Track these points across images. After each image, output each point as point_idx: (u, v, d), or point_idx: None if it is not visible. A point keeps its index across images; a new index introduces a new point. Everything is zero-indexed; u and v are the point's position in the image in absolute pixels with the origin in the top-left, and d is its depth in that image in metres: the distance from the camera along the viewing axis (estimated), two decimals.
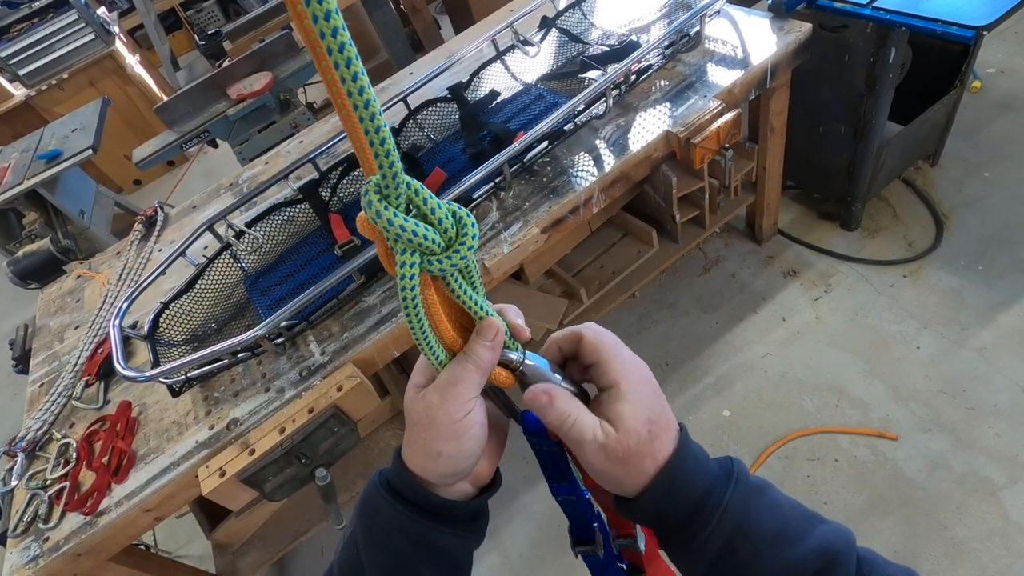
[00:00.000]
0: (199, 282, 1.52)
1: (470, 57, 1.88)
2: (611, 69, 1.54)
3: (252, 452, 1.21)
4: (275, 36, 2.69)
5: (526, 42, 1.91)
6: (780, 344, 2.00)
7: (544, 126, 1.44)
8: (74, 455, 1.35)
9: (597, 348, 0.47)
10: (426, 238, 0.40)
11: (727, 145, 1.55)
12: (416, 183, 0.40)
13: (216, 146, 2.84)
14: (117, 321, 1.38)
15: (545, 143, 1.58)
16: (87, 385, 1.51)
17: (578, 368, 0.50)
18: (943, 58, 1.96)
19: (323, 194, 1.69)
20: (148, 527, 1.30)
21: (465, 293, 0.45)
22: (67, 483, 1.30)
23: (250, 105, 2.51)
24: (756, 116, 1.92)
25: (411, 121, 1.80)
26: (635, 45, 1.75)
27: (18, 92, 3.99)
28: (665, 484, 0.44)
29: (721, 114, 1.51)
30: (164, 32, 5.11)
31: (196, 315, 1.51)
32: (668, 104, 1.60)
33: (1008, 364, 1.75)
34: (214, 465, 1.22)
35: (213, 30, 3.16)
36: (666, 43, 1.67)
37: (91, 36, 3.90)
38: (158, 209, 1.99)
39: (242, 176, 2.04)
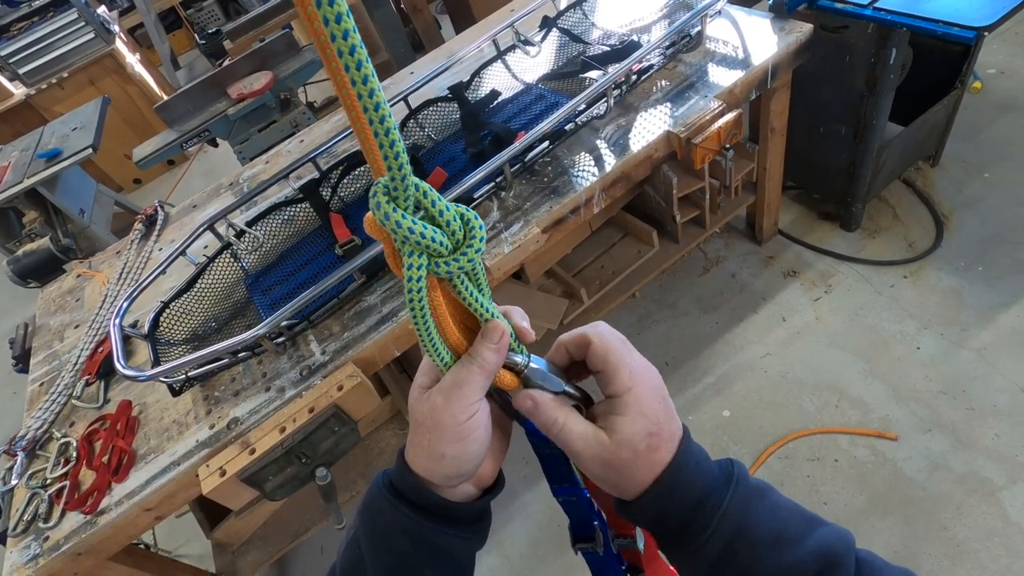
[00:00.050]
0: (199, 281, 1.51)
1: (471, 57, 1.88)
2: (612, 69, 1.54)
3: (252, 451, 1.21)
4: (275, 35, 2.69)
5: (527, 42, 1.91)
6: (780, 344, 2.00)
7: (545, 126, 1.44)
8: (74, 454, 1.35)
9: (604, 357, 0.46)
10: (434, 240, 0.40)
11: (728, 145, 1.55)
12: (424, 185, 0.40)
13: (216, 145, 2.83)
14: (117, 320, 1.38)
15: (546, 143, 1.58)
16: (87, 384, 1.51)
17: (586, 369, 0.50)
18: (944, 59, 1.96)
19: (324, 193, 1.69)
20: (148, 526, 1.30)
21: (471, 295, 0.44)
22: (67, 482, 1.30)
23: (250, 104, 2.50)
24: (757, 116, 1.92)
25: (412, 120, 1.80)
26: (636, 45, 1.75)
27: (18, 91, 3.99)
28: (665, 486, 0.44)
29: (722, 114, 1.51)
30: (164, 31, 5.09)
31: (196, 314, 1.51)
32: (669, 104, 1.60)
33: (1008, 365, 1.75)
34: (214, 464, 1.22)
35: (213, 29, 3.15)
36: (667, 43, 1.67)
37: (91, 35, 3.90)
38: (158, 208, 1.99)
39: (242, 175, 2.03)
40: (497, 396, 0.51)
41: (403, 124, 1.79)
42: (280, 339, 1.38)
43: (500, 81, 1.89)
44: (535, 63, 1.92)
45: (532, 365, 0.48)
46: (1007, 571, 1.45)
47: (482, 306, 0.45)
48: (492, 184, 1.53)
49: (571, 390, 0.49)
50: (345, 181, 1.71)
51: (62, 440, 1.40)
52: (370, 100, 0.34)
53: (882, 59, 1.67)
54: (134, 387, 1.47)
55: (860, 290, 2.05)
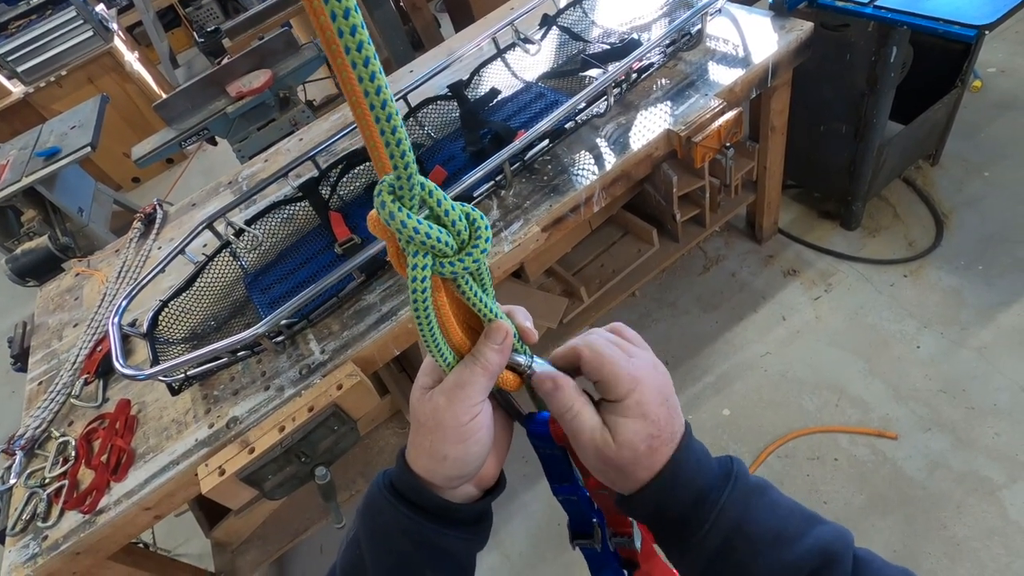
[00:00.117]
0: (198, 280, 1.51)
1: (470, 55, 1.88)
2: (612, 67, 1.54)
3: (252, 450, 1.21)
4: (274, 33, 2.69)
5: (527, 40, 1.91)
6: (780, 343, 2.00)
7: (545, 124, 1.43)
8: (73, 453, 1.35)
9: (598, 368, 0.46)
10: (439, 240, 0.39)
11: (728, 144, 1.55)
12: (430, 184, 0.39)
13: (215, 144, 2.83)
14: (116, 319, 1.37)
15: (546, 141, 1.57)
16: (86, 383, 1.50)
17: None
18: (944, 57, 1.96)
19: (323, 192, 1.69)
20: (147, 525, 1.30)
21: (476, 295, 0.44)
22: (66, 481, 1.29)
23: (249, 103, 2.50)
24: (757, 115, 1.91)
25: (411, 119, 1.79)
26: (636, 43, 1.74)
27: (16, 89, 3.98)
28: (665, 481, 0.44)
29: (722, 113, 1.50)
30: (163, 29, 5.10)
31: (195, 313, 1.50)
32: (669, 103, 1.60)
33: (1008, 363, 1.75)
34: (213, 463, 1.22)
35: (212, 27, 3.15)
36: (667, 41, 1.67)
37: (90, 33, 3.89)
38: (157, 207, 1.99)
39: (241, 174, 2.03)
40: (499, 397, 0.51)
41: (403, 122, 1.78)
42: (279, 338, 1.38)
43: (500, 79, 1.88)
44: (535, 61, 1.91)
45: (535, 366, 0.48)
46: (1007, 570, 1.45)
47: (486, 306, 0.45)
48: (492, 183, 1.53)
49: None
50: (344, 179, 1.71)
51: (61, 439, 1.39)
52: (377, 98, 0.34)
53: (883, 57, 1.66)
54: (133, 386, 1.47)
55: (860, 289, 2.05)
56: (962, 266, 1.99)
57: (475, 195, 1.52)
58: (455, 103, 1.80)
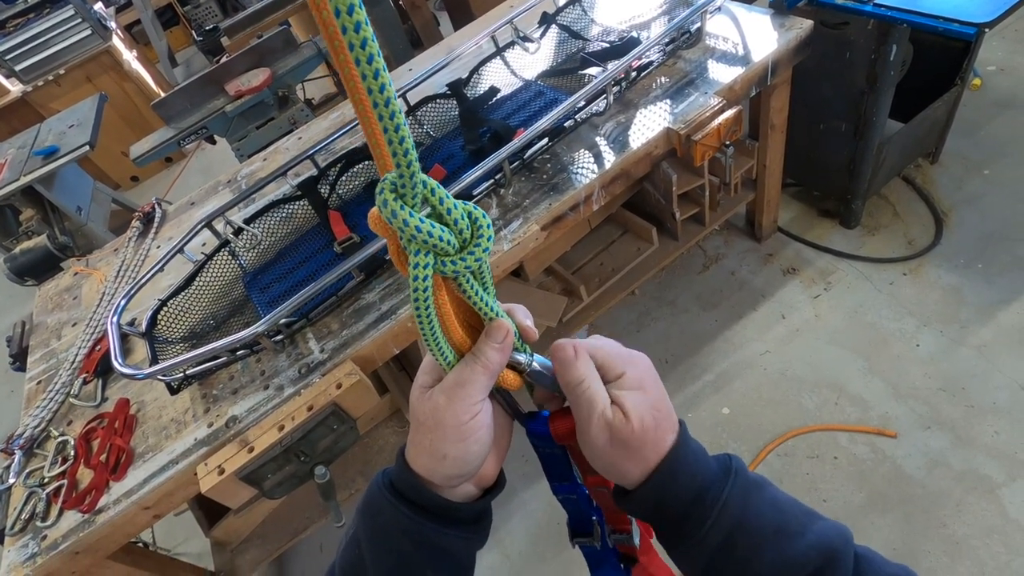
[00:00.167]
0: (197, 279, 1.51)
1: (469, 53, 1.87)
2: (611, 66, 1.54)
3: (251, 450, 1.21)
4: (273, 32, 2.68)
5: (526, 38, 1.90)
6: (779, 342, 2.00)
7: (544, 123, 1.43)
8: (72, 453, 1.35)
9: (593, 353, 0.47)
10: (441, 239, 0.39)
11: (728, 142, 1.55)
12: (432, 182, 0.39)
13: (214, 142, 2.83)
14: (115, 318, 1.37)
15: (545, 140, 1.57)
16: (85, 382, 1.50)
17: None
18: (944, 55, 1.96)
19: (322, 191, 1.69)
20: (146, 525, 1.29)
21: (477, 294, 0.44)
22: (65, 481, 1.29)
23: (248, 101, 2.50)
24: (757, 113, 1.91)
25: (410, 117, 1.79)
26: (635, 42, 1.74)
27: (14, 88, 3.97)
28: (665, 474, 0.44)
29: (722, 111, 1.50)
30: (161, 28, 5.09)
31: (194, 312, 1.50)
32: (669, 101, 1.59)
33: (1007, 362, 1.75)
34: (213, 463, 1.22)
35: (211, 26, 3.15)
36: (667, 40, 1.67)
37: (88, 32, 3.88)
38: (156, 206, 1.98)
39: (240, 173, 2.03)
40: (499, 395, 0.50)
41: None
42: (278, 337, 1.38)
43: (499, 78, 1.88)
44: (534, 60, 1.91)
45: (535, 364, 0.48)
46: (1006, 568, 1.45)
47: (487, 305, 0.45)
48: (491, 181, 1.52)
49: None
50: (343, 178, 1.70)
51: (60, 438, 1.39)
52: (380, 95, 0.33)
53: (882, 55, 1.66)
54: (132, 385, 1.47)
55: (860, 287, 2.05)
56: (962, 264, 1.99)
57: (474, 194, 1.52)
58: (454, 101, 1.80)
